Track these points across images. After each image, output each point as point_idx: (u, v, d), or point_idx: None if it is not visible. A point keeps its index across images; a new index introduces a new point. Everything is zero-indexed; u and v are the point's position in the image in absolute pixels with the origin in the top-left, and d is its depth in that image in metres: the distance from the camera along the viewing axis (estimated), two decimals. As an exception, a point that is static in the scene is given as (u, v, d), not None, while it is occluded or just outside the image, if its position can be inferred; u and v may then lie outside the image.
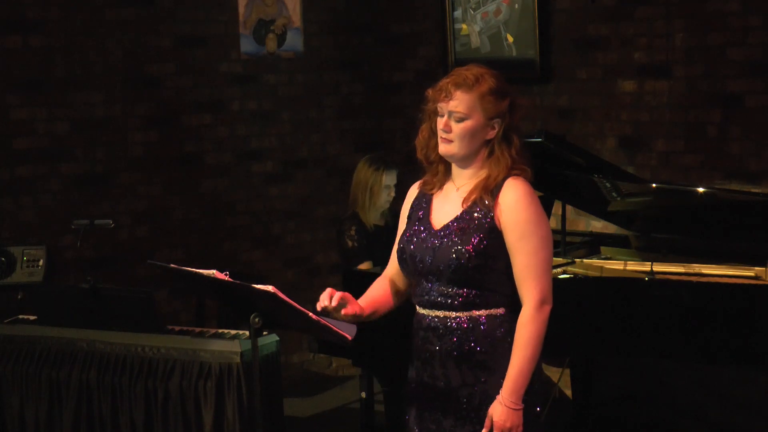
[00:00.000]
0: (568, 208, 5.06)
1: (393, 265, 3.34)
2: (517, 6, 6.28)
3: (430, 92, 3.18)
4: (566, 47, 6.12)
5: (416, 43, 6.93)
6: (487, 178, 3.12)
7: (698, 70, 5.56)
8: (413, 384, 3.27)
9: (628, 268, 4.49)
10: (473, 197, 3.12)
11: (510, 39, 6.34)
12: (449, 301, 3.12)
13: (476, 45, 6.52)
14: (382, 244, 5.34)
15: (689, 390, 5.46)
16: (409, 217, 3.28)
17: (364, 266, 5.25)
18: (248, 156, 6.63)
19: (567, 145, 4.82)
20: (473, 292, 3.10)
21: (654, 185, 4.66)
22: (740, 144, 5.45)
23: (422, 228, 3.19)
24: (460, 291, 3.11)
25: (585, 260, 4.64)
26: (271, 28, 6.66)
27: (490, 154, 3.14)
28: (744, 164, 5.42)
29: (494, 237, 3.08)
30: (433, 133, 3.19)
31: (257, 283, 3.30)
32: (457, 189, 3.19)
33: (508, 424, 3.05)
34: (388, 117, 7.10)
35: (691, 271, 4.36)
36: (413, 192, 3.33)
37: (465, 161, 3.17)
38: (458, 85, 3.10)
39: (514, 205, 3.08)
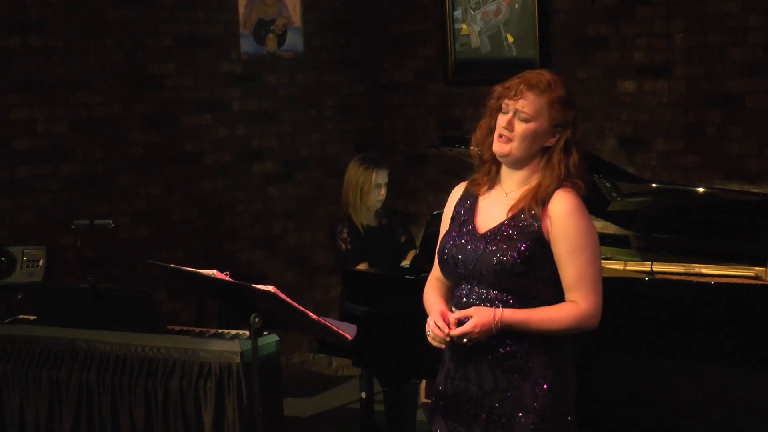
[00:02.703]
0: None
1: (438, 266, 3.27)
2: (517, 6, 6.27)
3: (499, 88, 3.11)
4: (566, 47, 6.12)
5: (416, 43, 6.93)
6: (538, 186, 3.06)
7: (698, 70, 5.56)
8: (440, 386, 3.20)
9: (628, 268, 4.49)
10: (521, 205, 3.06)
11: (510, 39, 6.33)
12: (487, 304, 3.06)
13: (476, 45, 6.52)
14: (375, 245, 5.34)
15: (689, 390, 5.45)
16: (452, 218, 3.21)
17: (360, 267, 5.24)
18: (248, 156, 6.62)
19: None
20: (512, 297, 3.05)
21: (654, 185, 4.65)
22: (740, 144, 5.45)
23: (465, 231, 3.13)
24: (499, 295, 3.05)
25: (585, 260, 4.63)
26: (271, 28, 6.65)
27: (547, 162, 3.08)
28: (744, 164, 5.43)
29: (540, 247, 3.03)
30: (491, 130, 3.12)
31: (257, 283, 3.31)
32: (506, 194, 3.13)
33: (476, 331, 2.99)
34: (388, 117, 7.10)
35: (691, 271, 4.36)
36: (457, 192, 3.26)
37: (518, 164, 3.10)
38: (531, 87, 3.05)
39: (564, 218, 3.03)
